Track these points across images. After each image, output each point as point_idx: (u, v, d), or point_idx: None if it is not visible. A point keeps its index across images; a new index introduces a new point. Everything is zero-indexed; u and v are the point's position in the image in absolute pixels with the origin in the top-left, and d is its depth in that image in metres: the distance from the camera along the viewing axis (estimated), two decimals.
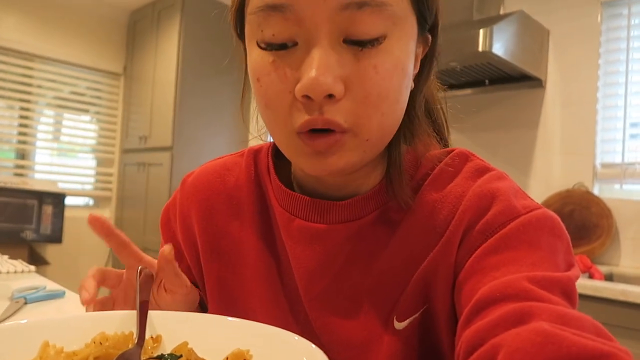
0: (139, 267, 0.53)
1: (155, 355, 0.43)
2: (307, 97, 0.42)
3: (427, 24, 0.48)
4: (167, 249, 0.53)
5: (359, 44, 0.42)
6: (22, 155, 3.49)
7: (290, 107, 0.44)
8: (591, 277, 1.72)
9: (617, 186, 2.06)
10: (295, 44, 0.43)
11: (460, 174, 0.51)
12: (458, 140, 0.58)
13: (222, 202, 0.61)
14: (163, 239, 0.67)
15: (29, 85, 3.43)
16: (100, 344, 0.42)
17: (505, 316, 0.35)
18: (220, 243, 0.60)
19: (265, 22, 0.43)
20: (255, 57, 0.46)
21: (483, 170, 0.51)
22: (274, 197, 0.57)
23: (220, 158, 0.65)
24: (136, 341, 0.42)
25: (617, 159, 2.05)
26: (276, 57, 0.44)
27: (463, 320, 0.40)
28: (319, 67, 0.41)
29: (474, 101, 2.35)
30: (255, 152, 0.62)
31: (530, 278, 0.39)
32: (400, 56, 0.44)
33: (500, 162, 2.22)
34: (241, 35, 0.50)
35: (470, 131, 2.34)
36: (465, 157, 0.53)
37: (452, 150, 0.54)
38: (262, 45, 0.44)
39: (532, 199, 0.49)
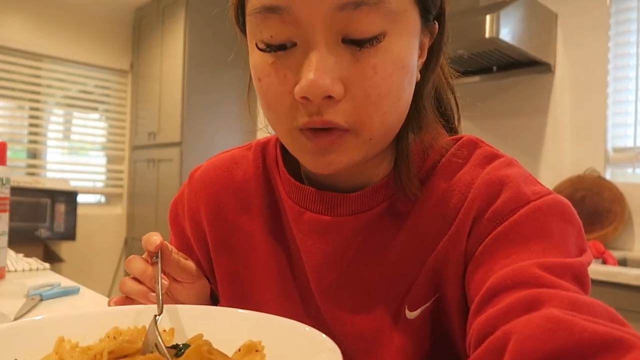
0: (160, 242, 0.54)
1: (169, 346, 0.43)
2: (306, 98, 0.42)
3: (431, 14, 0.48)
4: (166, 244, 0.54)
5: (357, 44, 0.42)
6: (33, 154, 3.53)
7: (291, 107, 0.44)
8: (605, 262, 1.71)
9: (629, 170, 2.03)
10: (294, 44, 0.43)
11: (469, 162, 0.51)
12: (467, 128, 0.58)
13: (231, 195, 0.61)
14: (172, 234, 0.68)
15: (38, 85, 3.46)
16: (114, 338, 0.42)
17: (516, 303, 0.35)
18: (230, 237, 0.60)
19: (263, 23, 0.43)
20: (256, 57, 0.46)
21: (492, 157, 0.51)
22: (283, 189, 0.57)
23: (227, 151, 0.66)
24: (158, 312, 0.44)
25: (629, 143, 2.02)
26: (275, 58, 0.44)
27: (474, 309, 0.40)
28: (317, 69, 0.41)
29: (482, 88, 2.33)
30: (263, 145, 0.62)
31: (541, 264, 0.39)
32: (401, 53, 0.43)
33: (510, 150, 2.20)
34: (244, 31, 0.50)
35: (479, 119, 2.33)
36: (473, 145, 0.53)
37: (460, 138, 0.54)
38: (261, 46, 0.44)
39: (542, 185, 0.48)
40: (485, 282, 0.40)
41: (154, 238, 0.53)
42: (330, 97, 0.42)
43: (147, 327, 0.44)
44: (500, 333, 0.34)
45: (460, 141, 0.53)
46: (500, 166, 0.49)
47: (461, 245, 0.47)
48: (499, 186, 0.47)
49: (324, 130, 0.44)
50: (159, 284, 0.49)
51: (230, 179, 0.62)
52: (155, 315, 0.43)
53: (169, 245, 0.55)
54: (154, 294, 0.53)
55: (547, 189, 0.48)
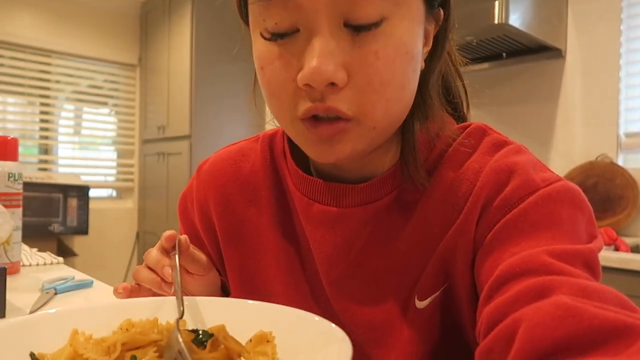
0: (177, 239, 0.55)
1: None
2: (309, 85, 0.42)
3: (436, 0, 0.47)
4: (183, 238, 0.56)
5: (358, 27, 0.41)
6: (45, 150, 3.57)
7: (294, 95, 0.44)
8: (617, 249, 1.69)
9: None
10: (297, 30, 0.43)
11: (477, 150, 0.51)
12: (476, 116, 0.57)
13: (239, 188, 0.61)
14: (181, 227, 0.68)
15: (48, 80, 3.49)
16: (127, 330, 0.43)
17: (526, 291, 0.35)
18: (239, 229, 0.61)
19: (266, 11, 0.43)
20: (259, 46, 0.46)
21: (501, 144, 0.51)
22: (290, 181, 0.57)
23: (235, 144, 0.66)
24: (179, 315, 0.44)
25: None
26: (279, 46, 0.44)
27: (484, 297, 0.40)
28: (320, 56, 0.41)
29: (492, 75, 2.31)
30: (271, 137, 0.62)
31: (550, 252, 0.38)
32: (404, 39, 0.43)
33: (520, 136, 2.18)
34: (247, 22, 0.50)
35: (488, 106, 2.31)
36: (482, 132, 0.52)
37: (468, 126, 0.53)
38: (265, 34, 0.44)
39: (551, 172, 0.48)
40: (495, 270, 0.40)
41: (169, 232, 0.55)
42: (333, 84, 0.42)
43: (158, 319, 0.45)
44: (509, 320, 0.34)
45: (468, 129, 0.53)
46: (508, 153, 0.49)
47: (470, 233, 0.47)
48: (508, 174, 0.46)
49: (327, 120, 0.44)
50: (179, 285, 0.49)
51: (238, 172, 0.62)
52: (177, 320, 0.43)
53: (186, 239, 0.56)
54: (166, 284, 0.54)
55: (557, 175, 0.47)
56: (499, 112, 2.30)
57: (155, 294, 0.58)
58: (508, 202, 0.45)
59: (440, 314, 0.50)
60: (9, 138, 0.98)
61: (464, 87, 0.58)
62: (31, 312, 0.73)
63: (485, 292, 0.40)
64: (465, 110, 0.59)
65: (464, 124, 0.54)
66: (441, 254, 0.49)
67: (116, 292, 0.57)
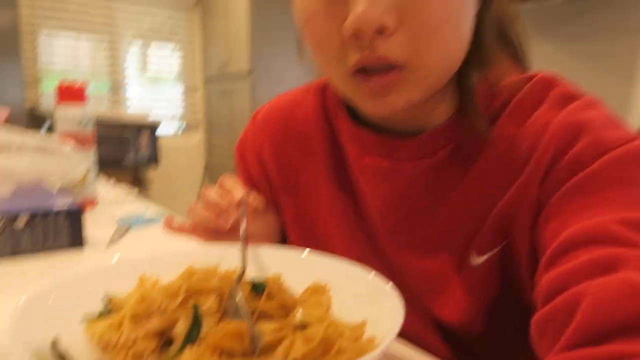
0: (243, 194, 0.56)
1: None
2: (356, 34, 0.39)
3: None
4: (252, 198, 0.57)
5: None
6: (115, 88, 3.73)
7: (341, 47, 0.42)
8: None
9: None
10: None
11: (543, 104, 0.47)
12: (554, 52, 0.52)
13: (293, 137, 0.61)
14: (239, 173, 0.69)
15: (113, 22, 3.59)
16: (190, 276, 0.45)
17: (591, 262, 0.33)
18: (294, 178, 0.61)
19: None
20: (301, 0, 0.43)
21: (570, 97, 0.46)
22: (343, 131, 0.56)
23: (288, 93, 0.65)
24: (241, 270, 0.44)
25: None
26: None
27: (545, 262, 0.38)
28: None
29: (571, 8, 2.10)
30: (323, 87, 0.61)
31: (622, 220, 0.35)
32: None
33: (603, 75, 2.01)
34: None
35: (567, 41, 2.12)
36: (548, 84, 0.48)
37: (534, 76, 0.49)
38: None
39: (627, 129, 0.43)
40: (558, 235, 0.38)
41: (237, 193, 0.55)
42: (382, 31, 0.39)
43: (218, 266, 0.47)
44: (571, 293, 0.32)
45: (533, 80, 0.48)
46: (578, 108, 0.45)
47: (533, 192, 0.44)
48: (577, 130, 0.42)
49: (378, 72, 0.42)
50: (245, 241, 0.49)
51: (292, 121, 0.62)
52: (239, 275, 0.43)
53: (254, 198, 0.57)
54: (221, 216, 0.55)
55: (633, 134, 0.43)
56: (579, 48, 2.11)
57: (207, 235, 0.60)
58: (576, 163, 0.41)
59: (497, 272, 0.49)
60: (77, 85, 1.02)
61: (521, 31, 0.53)
62: (108, 246, 0.80)
63: (547, 258, 0.38)
64: (524, 58, 0.54)
65: (530, 74, 0.50)
66: (501, 210, 0.47)
67: (163, 224, 0.59)
